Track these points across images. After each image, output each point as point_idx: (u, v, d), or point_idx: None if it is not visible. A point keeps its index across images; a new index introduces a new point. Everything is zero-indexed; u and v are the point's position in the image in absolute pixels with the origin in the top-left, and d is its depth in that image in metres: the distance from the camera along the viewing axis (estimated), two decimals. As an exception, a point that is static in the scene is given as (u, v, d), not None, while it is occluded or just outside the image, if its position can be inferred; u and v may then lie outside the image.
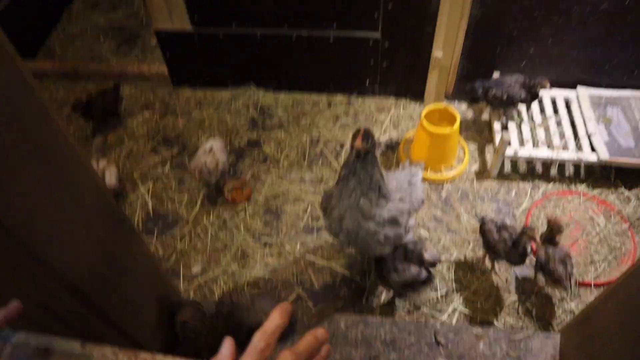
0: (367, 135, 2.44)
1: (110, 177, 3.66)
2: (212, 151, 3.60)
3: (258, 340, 0.91)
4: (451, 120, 3.77)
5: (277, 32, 4.02)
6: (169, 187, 3.88)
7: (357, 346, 2.94)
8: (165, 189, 3.88)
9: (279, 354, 0.91)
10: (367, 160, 2.50)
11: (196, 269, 3.41)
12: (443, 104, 3.81)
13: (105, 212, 2.20)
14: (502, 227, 3.07)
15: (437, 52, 3.95)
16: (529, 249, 2.94)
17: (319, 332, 0.96)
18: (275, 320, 0.93)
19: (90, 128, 4.29)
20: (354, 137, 2.47)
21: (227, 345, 0.94)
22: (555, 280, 2.97)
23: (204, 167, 3.53)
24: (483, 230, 3.15)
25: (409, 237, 2.99)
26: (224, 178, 3.72)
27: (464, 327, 3.00)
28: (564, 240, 3.48)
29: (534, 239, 2.89)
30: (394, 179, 2.91)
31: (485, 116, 4.25)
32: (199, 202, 3.76)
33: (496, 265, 3.35)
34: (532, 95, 3.71)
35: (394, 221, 2.72)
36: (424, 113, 3.72)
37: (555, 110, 4.07)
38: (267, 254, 3.48)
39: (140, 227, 3.66)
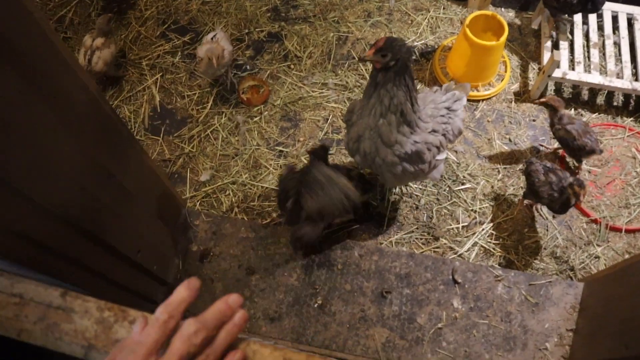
0: (389, 46, 2.10)
1: (98, 61, 3.30)
2: (215, 41, 3.24)
3: (160, 312, 0.88)
4: (497, 30, 3.35)
5: None
6: (179, 81, 3.55)
7: (369, 277, 2.80)
8: (175, 82, 3.56)
9: (182, 322, 0.88)
10: (388, 77, 2.18)
11: (205, 176, 3.20)
12: (490, 12, 3.36)
13: (98, 122, 1.92)
14: (550, 170, 2.79)
15: (491, -52, 3.43)
16: (572, 202, 2.68)
17: (232, 297, 0.93)
18: (180, 293, 0.91)
19: (98, 6, 3.88)
20: (373, 45, 2.14)
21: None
22: (589, 152, 2.99)
23: (209, 56, 3.17)
24: (528, 171, 2.86)
25: (434, 175, 2.72)
26: (239, 78, 3.40)
27: (483, 267, 2.84)
28: (601, 179, 3.23)
29: (578, 198, 2.63)
30: (432, 103, 2.56)
31: (534, 26, 3.79)
32: (210, 101, 3.46)
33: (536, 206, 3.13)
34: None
35: (417, 156, 2.43)
36: (468, 20, 3.29)
37: (615, 29, 3.61)
38: (281, 165, 3.25)
39: (145, 124, 3.40)
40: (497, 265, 2.95)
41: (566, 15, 3.45)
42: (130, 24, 3.79)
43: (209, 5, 3.88)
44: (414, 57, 3.17)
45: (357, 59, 2.27)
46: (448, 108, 2.59)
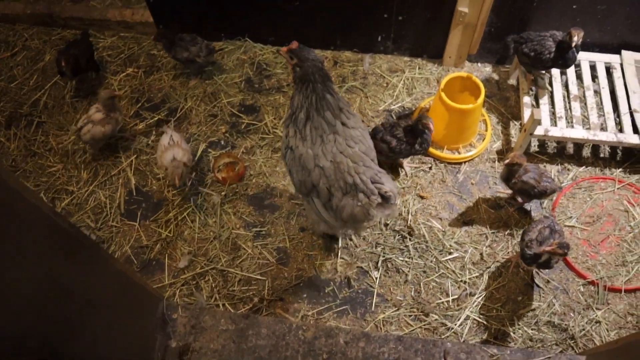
0: (298, 52, 2.36)
1: (87, 133, 3.30)
2: (175, 144, 3.18)
3: None
4: (474, 90, 3.28)
5: (275, -23, 3.45)
6: (154, 162, 3.47)
7: (357, 366, 2.66)
8: (149, 163, 3.47)
9: None
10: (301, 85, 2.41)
11: (183, 262, 3.08)
12: (465, 73, 3.29)
13: (55, 241, 1.81)
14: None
15: (462, 6, 3.36)
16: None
17: None
18: None
19: (72, 88, 3.84)
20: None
21: None
22: (550, 194, 3.00)
23: (176, 165, 3.10)
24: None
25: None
26: (214, 157, 3.32)
27: (477, 347, 2.69)
28: (595, 236, 3.10)
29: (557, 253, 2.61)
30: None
31: (512, 81, 3.72)
32: (187, 182, 3.37)
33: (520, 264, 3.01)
34: (562, 49, 3.13)
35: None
36: (443, 83, 3.21)
37: (595, 78, 3.54)
38: (260, 246, 3.14)
39: (121, 209, 3.31)
40: (492, 341, 2.80)
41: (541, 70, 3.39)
42: (104, 105, 3.74)
43: (181, 82, 3.82)
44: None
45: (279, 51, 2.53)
46: (356, 185, 2.46)
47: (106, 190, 3.38)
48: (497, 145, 3.46)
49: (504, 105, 3.62)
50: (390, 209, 2.46)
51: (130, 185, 3.40)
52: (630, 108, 3.33)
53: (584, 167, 3.35)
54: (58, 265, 1.81)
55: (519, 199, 3.15)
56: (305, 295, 3.00)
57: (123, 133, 3.56)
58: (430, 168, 3.36)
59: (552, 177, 3.07)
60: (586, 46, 3.54)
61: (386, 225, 3.16)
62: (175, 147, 3.14)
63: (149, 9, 3.77)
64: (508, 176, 3.01)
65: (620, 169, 3.33)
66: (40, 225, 1.70)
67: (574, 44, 3.01)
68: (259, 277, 3.03)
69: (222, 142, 3.53)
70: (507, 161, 2.95)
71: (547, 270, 2.96)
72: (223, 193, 3.32)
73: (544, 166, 3.36)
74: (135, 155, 3.49)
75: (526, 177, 2.94)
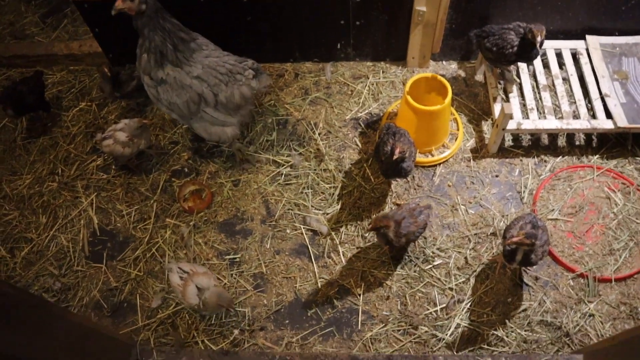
0: None
1: (106, 146, 3.19)
2: (190, 274, 2.68)
3: None
4: (441, 89, 3.17)
5: (224, -6, 3.31)
6: (116, 198, 3.30)
7: (347, 392, 2.52)
8: (112, 200, 3.30)
9: None
10: (144, 22, 2.69)
11: (156, 301, 2.91)
12: (430, 73, 3.18)
13: None
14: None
15: (420, 5, 3.26)
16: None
17: None
18: None
19: (22, 128, 3.65)
20: None
21: None
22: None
23: (213, 294, 2.64)
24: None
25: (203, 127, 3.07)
26: (178, 186, 3.17)
27: (470, 358, 2.57)
28: (579, 227, 3.00)
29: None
30: (217, 57, 2.93)
31: (479, 77, 3.62)
32: (152, 216, 3.20)
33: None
34: (526, 46, 3.02)
35: (170, 87, 2.87)
36: (408, 85, 3.10)
37: (562, 65, 3.46)
38: (236, 274, 2.99)
39: (86, 252, 3.13)
40: (485, 347, 2.68)
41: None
42: (58, 143, 3.55)
43: (138, 109, 3.66)
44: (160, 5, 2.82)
45: (112, 12, 2.58)
46: (230, 71, 2.91)
47: (68, 234, 3.19)
48: (471, 143, 3.35)
49: (474, 101, 3.52)
50: (264, 77, 3.02)
51: (93, 225, 3.22)
52: (600, 93, 3.25)
53: (560, 157, 3.26)
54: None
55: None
56: (287, 321, 2.85)
57: (151, 150, 3.44)
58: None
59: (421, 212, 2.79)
60: (550, 34, 3.46)
61: (363, 237, 3.03)
62: (194, 277, 2.66)
63: (96, 39, 3.60)
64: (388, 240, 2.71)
65: (597, 156, 3.24)
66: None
67: (537, 44, 2.91)
68: (237, 307, 2.88)
69: (186, 170, 3.38)
70: (370, 226, 2.66)
71: (534, 267, 2.85)
72: (192, 223, 3.16)
73: (520, 160, 3.26)
74: (95, 193, 3.31)
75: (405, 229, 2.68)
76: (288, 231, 3.11)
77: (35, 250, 3.15)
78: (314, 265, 2.99)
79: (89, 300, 2.98)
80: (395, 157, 2.68)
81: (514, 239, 2.46)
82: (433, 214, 3.08)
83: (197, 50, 2.91)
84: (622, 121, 3.09)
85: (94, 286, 3.02)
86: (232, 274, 2.99)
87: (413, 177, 3.23)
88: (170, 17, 2.79)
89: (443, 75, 3.55)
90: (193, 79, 2.87)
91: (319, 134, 3.42)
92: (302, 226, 3.10)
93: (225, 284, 2.95)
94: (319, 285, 2.92)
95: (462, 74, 3.67)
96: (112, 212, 3.26)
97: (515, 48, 3.02)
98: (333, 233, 3.06)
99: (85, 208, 3.28)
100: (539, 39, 2.90)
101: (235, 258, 3.04)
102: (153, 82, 2.90)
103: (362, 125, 3.46)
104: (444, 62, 3.72)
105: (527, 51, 3.02)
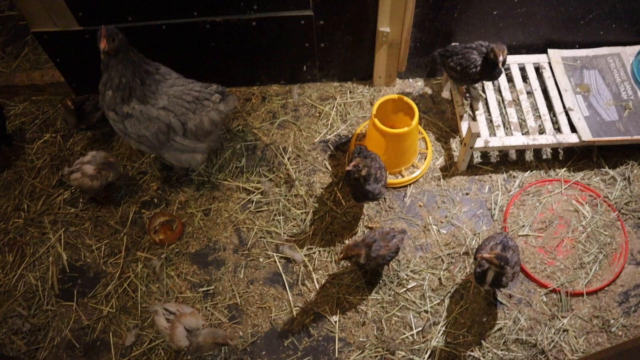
0: (111, 32, 2.60)
1: (74, 179, 3.13)
2: (177, 316, 2.61)
3: None
4: (408, 110, 3.17)
5: (186, 21, 3.25)
6: (85, 233, 3.24)
7: None
8: (80, 234, 3.24)
9: None
10: (118, 59, 2.68)
11: (130, 338, 2.87)
12: (397, 95, 3.19)
13: None
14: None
15: (383, 26, 3.27)
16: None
17: None
18: None
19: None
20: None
21: None
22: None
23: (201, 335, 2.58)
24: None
25: (176, 157, 3.09)
26: (148, 218, 3.12)
27: (448, 383, 2.58)
28: (549, 242, 3.04)
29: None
30: (182, 86, 2.92)
31: (446, 93, 3.64)
32: (123, 250, 3.15)
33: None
34: (488, 65, 3.04)
35: (137, 120, 2.84)
36: (374, 108, 3.10)
37: (526, 79, 3.49)
38: (210, 307, 2.95)
39: (55, 290, 3.06)
40: (462, 369, 2.70)
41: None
42: (23, 177, 3.47)
43: (104, 139, 3.59)
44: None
45: (101, 52, 2.64)
46: (197, 98, 2.92)
47: (36, 272, 3.12)
48: (440, 161, 3.37)
49: (441, 119, 3.53)
50: (231, 99, 3.02)
51: (62, 262, 3.15)
52: (564, 107, 3.29)
53: (529, 171, 3.29)
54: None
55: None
56: (264, 353, 2.83)
57: (119, 182, 3.36)
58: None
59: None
60: (514, 48, 3.49)
61: (337, 263, 3.03)
62: (181, 318, 2.58)
63: (58, 69, 3.53)
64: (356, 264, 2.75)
65: (564, 169, 3.29)
66: None
67: (499, 64, 2.93)
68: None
69: (156, 200, 3.33)
70: (341, 256, 2.66)
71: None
72: (163, 255, 3.11)
73: (490, 176, 3.29)
74: (63, 229, 3.25)
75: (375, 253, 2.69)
76: (261, 260, 3.08)
77: (3, 290, 3.08)
78: (289, 293, 2.97)
79: (60, 341, 2.92)
80: (348, 168, 2.72)
81: (485, 255, 2.47)
82: (406, 236, 3.09)
83: (162, 81, 2.89)
84: (587, 135, 3.14)
85: (65, 325, 2.96)
86: (206, 307, 2.95)
87: (384, 199, 3.23)
88: (135, 50, 2.78)
89: (410, 93, 3.60)
90: (159, 110, 2.85)
91: (289, 159, 3.40)
92: (275, 254, 3.08)
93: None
94: (295, 314, 2.91)
95: (429, 91, 3.68)
96: (81, 247, 3.20)
97: (479, 67, 3.04)
98: (306, 259, 3.05)
99: (54, 244, 3.21)
100: (500, 58, 2.92)
101: (209, 290, 3.01)
102: (119, 117, 2.86)
103: (332, 148, 3.45)
104: (410, 80, 3.73)
105: (490, 70, 3.05)
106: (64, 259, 3.16)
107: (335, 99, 3.65)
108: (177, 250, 3.14)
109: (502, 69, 3.06)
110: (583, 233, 3.07)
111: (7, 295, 3.06)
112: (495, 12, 3.27)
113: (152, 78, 2.84)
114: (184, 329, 2.53)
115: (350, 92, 3.69)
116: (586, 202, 3.17)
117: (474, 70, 3.05)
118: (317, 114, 3.61)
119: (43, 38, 3.31)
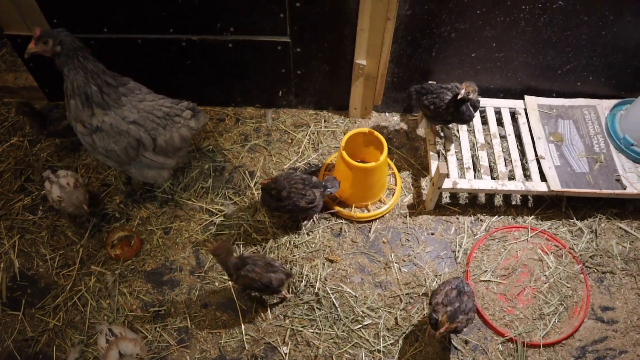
0: (46, 33, 2.52)
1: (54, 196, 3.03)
2: (118, 338, 2.58)
3: None
4: (379, 144, 3.15)
5: (162, 37, 3.23)
6: (40, 241, 3.16)
7: None
8: (35, 243, 3.16)
9: None
10: (62, 62, 2.59)
11: (73, 354, 2.78)
12: (367, 129, 3.17)
13: None
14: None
15: (360, 59, 3.26)
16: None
17: None
18: None
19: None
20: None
21: None
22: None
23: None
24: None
25: (141, 173, 3.03)
26: (107, 232, 3.06)
27: None
28: (511, 289, 3.00)
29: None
30: (153, 101, 2.88)
31: (421, 131, 3.63)
32: (77, 262, 3.08)
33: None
34: (458, 105, 3.01)
35: (107, 134, 2.77)
36: (343, 141, 3.08)
37: (500, 123, 3.49)
38: (159, 327, 2.87)
39: (3, 297, 2.98)
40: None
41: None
42: (-17, 181, 3.41)
43: (71, 149, 3.54)
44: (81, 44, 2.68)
45: (25, 55, 2.59)
46: (167, 114, 2.88)
47: (-14, 277, 3.05)
48: (409, 199, 3.33)
49: (414, 155, 3.51)
50: (202, 116, 3.01)
51: (13, 269, 3.07)
52: (536, 154, 3.28)
53: (497, 216, 3.27)
54: None
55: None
56: (209, 380, 2.75)
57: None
58: (340, 230, 3.20)
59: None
60: (491, 92, 3.50)
61: (295, 293, 2.96)
62: (119, 342, 2.53)
63: (31, 74, 3.49)
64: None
65: (532, 216, 3.26)
66: None
67: (460, 97, 2.91)
68: (158, 365, 2.77)
69: (117, 214, 3.27)
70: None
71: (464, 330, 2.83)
72: (117, 271, 3.04)
73: (457, 218, 3.26)
74: (19, 235, 3.17)
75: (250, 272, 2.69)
76: (217, 284, 3.02)
77: (-52, 294, 3.00)
78: (241, 320, 2.90)
79: (1, 351, 2.83)
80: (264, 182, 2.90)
81: (442, 330, 2.44)
82: (365, 272, 3.04)
83: (128, 95, 2.84)
84: (556, 185, 3.12)
85: (9, 335, 2.87)
86: (155, 327, 2.87)
87: (345, 230, 3.18)
88: (93, 59, 2.70)
89: (385, 127, 3.57)
90: (130, 124, 2.80)
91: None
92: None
93: (147, 338, 2.83)
94: (245, 342, 2.84)
95: (404, 126, 3.67)
96: (35, 256, 3.12)
97: (451, 108, 3.02)
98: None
99: (7, 250, 3.14)
100: (463, 91, 2.88)
101: (161, 310, 2.93)
102: (87, 130, 2.79)
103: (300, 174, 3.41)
104: (386, 114, 3.71)
105: (458, 108, 3.01)
106: (16, 267, 3.08)
107: (309, 127, 3.63)
108: (133, 267, 3.07)
109: (474, 114, 3.05)
110: (545, 283, 3.03)
111: (-48, 300, 2.98)
112: (473, 55, 3.28)
113: (113, 89, 2.76)
114: (118, 352, 2.47)
115: (325, 121, 3.66)
116: (551, 252, 3.14)
117: (445, 110, 3.03)
118: (290, 140, 3.58)
119: (17, 41, 3.28)
